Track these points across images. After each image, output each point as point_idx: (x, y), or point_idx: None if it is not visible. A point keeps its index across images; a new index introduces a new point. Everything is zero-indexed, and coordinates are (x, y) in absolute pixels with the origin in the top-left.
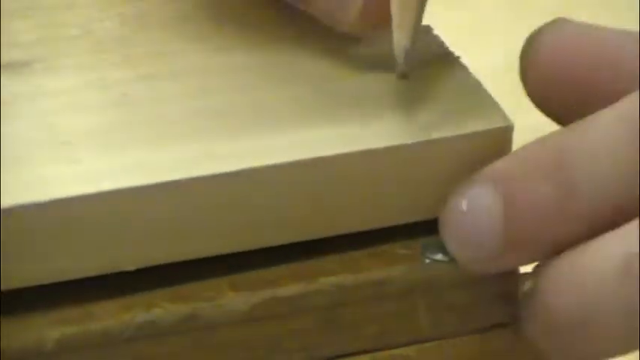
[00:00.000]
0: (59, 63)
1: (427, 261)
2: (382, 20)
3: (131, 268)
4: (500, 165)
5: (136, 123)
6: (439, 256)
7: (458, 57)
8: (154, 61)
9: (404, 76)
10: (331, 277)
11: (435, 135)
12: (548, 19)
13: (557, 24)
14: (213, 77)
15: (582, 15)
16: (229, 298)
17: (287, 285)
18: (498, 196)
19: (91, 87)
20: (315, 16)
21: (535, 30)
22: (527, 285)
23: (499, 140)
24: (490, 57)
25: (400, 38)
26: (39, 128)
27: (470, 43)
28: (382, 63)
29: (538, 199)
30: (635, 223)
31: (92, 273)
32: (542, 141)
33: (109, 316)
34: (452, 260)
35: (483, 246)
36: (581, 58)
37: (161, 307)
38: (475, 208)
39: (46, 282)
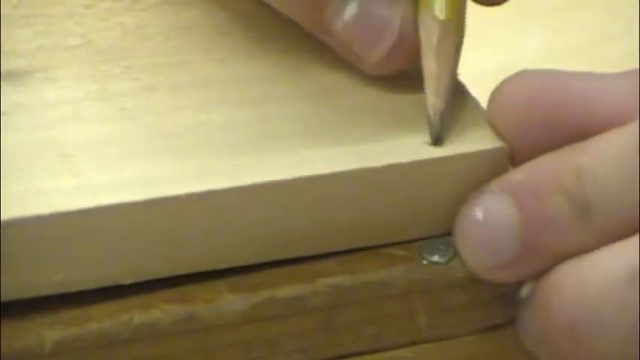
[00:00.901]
0: (59, 73)
1: (424, 262)
2: (407, 62)
3: (129, 281)
4: (515, 176)
5: (135, 136)
6: (436, 258)
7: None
8: (155, 72)
9: (439, 140)
10: (330, 278)
11: (431, 154)
12: (547, 20)
13: (519, 73)
14: (215, 90)
15: (582, 15)
16: (228, 299)
17: (285, 286)
18: (514, 206)
19: (91, 98)
20: (336, 50)
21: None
22: (526, 288)
23: (494, 160)
24: (486, 58)
25: (436, 103)
26: (39, 140)
27: (466, 44)
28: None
29: (553, 212)
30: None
31: (90, 286)
32: (556, 155)
33: (108, 318)
34: (449, 262)
35: (499, 255)
36: (546, 100)
37: (159, 309)
38: (491, 218)
39: (45, 294)
